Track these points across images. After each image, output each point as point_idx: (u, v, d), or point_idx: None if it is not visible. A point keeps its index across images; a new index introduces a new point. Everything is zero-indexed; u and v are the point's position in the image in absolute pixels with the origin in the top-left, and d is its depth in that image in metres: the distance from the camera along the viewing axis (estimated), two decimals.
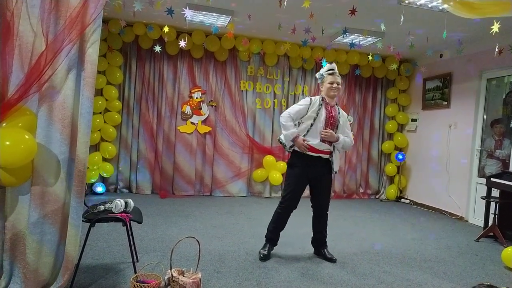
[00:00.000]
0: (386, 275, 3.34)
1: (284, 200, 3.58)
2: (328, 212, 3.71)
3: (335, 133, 3.51)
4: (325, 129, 3.45)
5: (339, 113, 3.59)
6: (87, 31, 2.49)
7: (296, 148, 3.49)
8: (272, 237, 3.67)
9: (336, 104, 3.64)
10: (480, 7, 3.39)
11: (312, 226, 3.74)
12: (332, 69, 3.56)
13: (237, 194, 6.61)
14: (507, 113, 5.38)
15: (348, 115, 3.67)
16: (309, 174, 3.54)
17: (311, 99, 3.57)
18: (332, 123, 3.50)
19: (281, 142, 3.61)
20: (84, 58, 2.51)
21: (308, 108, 3.50)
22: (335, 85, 3.51)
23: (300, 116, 3.51)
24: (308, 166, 3.50)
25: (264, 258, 3.52)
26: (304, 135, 3.46)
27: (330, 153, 3.54)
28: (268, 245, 3.65)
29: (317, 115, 3.47)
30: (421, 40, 5.41)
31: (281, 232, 3.71)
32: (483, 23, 4.07)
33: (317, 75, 3.69)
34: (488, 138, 5.63)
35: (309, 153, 3.47)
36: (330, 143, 3.50)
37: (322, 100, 3.55)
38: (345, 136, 3.60)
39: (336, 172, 3.63)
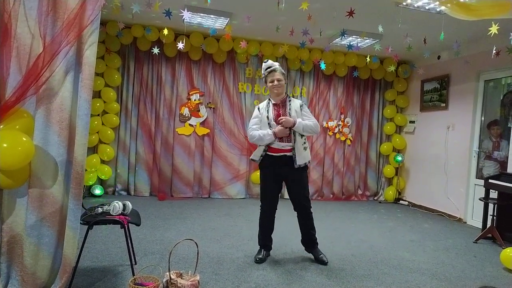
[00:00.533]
0: (384, 277, 3.33)
1: (262, 203, 3.60)
2: (311, 209, 3.58)
3: (291, 129, 3.43)
4: (285, 148, 3.44)
5: (289, 107, 3.50)
6: (85, 33, 2.49)
7: (268, 153, 3.46)
8: (264, 243, 3.65)
9: (288, 97, 3.57)
10: (477, 8, 3.41)
11: (299, 227, 3.67)
12: (269, 67, 3.50)
13: (235, 196, 6.61)
14: (504, 115, 5.40)
15: (302, 104, 3.58)
16: (279, 175, 3.51)
17: (258, 107, 3.61)
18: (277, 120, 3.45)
19: (253, 160, 3.57)
20: (81, 60, 2.51)
21: (260, 113, 3.53)
22: (275, 82, 3.46)
23: (260, 122, 3.51)
24: (275, 166, 3.47)
25: (260, 261, 3.52)
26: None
27: (291, 150, 3.45)
28: (262, 250, 3.63)
29: (268, 119, 3.46)
30: (419, 42, 5.42)
31: (277, 234, 3.71)
32: (481, 25, 4.08)
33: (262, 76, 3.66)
34: (486, 140, 5.64)
35: (272, 154, 3.45)
36: (289, 139, 3.43)
37: (269, 101, 3.56)
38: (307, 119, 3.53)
39: (300, 165, 3.44)
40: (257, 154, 3.52)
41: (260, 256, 3.55)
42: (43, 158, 2.43)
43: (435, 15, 4.45)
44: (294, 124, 3.40)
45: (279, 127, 3.40)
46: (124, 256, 3.37)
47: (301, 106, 3.55)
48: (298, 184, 3.53)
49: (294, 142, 3.44)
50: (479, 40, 5.38)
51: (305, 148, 3.51)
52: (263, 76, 3.63)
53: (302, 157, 3.47)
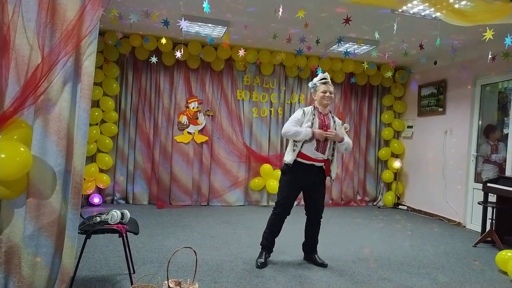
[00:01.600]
0: (384, 282, 3.33)
1: (277, 206, 3.62)
2: (321, 220, 3.73)
3: (330, 142, 3.53)
4: (319, 158, 3.50)
5: (334, 122, 3.62)
6: (83, 44, 2.51)
7: (298, 159, 3.49)
8: (267, 244, 3.68)
9: (330, 112, 3.67)
10: (472, 14, 3.45)
11: (305, 231, 3.77)
12: (325, 78, 3.61)
13: (234, 203, 6.60)
14: (502, 119, 5.42)
15: (343, 122, 3.70)
16: (302, 182, 3.56)
17: (303, 110, 3.62)
18: (326, 131, 3.52)
19: (287, 164, 3.56)
20: (80, 70, 2.53)
21: (303, 121, 3.56)
22: (328, 94, 3.56)
23: (300, 123, 3.54)
24: (301, 174, 3.52)
25: (261, 265, 3.53)
26: (301, 145, 3.47)
27: (324, 161, 3.54)
28: (264, 252, 3.66)
29: (311, 125, 3.50)
30: (415, 47, 5.47)
31: (277, 240, 3.72)
32: (476, 30, 4.13)
33: (310, 84, 3.73)
34: (484, 144, 5.66)
35: (303, 161, 3.49)
36: (324, 151, 3.51)
37: (315, 109, 3.60)
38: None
39: (333, 179, 3.65)
40: (290, 158, 3.52)
41: (262, 260, 3.57)
42: (41, 168, 2.44)
43: (431, 21, 4.49)
44: (342, 140, 3.54)
45: (320, 131, 3.44)
46: (122, 265, 3.37)
47: (343, 124, 3.79)
48: (320, 194, 3.66)
49: (333, 156, 3.56)
50: (475, 45, 5.43)
51: (336, 161, 3.66)
52: (313, 84, 3.66)
53: (334, 170, 3.64)
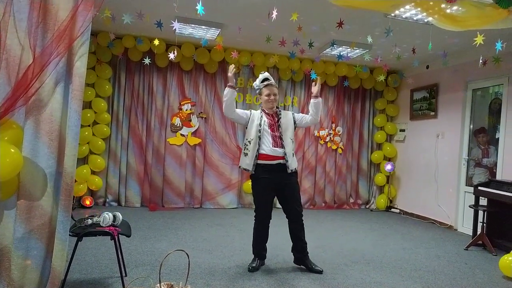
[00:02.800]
0: (376, 285, 3.33)
1: (256, 213, 3.61)
2: (302, 219, 3.61)
3: (282, 135, 3.53)
4: (274, 132, 3.52)
5: (278, 119, 3.61)
6: (75, 44, 2.49)
7: (258, 162, 3.49)
8: (258, 252, 3.65)
9: (277, 108, 3.68)
10: (464, 19, 3.49)
11: (290, 236, 3.68)
12: (267, 79, 3.58)
13: (227, 206, 6.58)
14: (493, 122, 5.48)
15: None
16: (272, 183, 3.52)
17: (251, 111, 3.66)
18: (275, 129, 3.55)
19: (245, 169, 3.56)
20: (72, 71, 2.51)
21: (249, 119, 3.58)
22: (272, 97, 3.56)
23: (244, 115, 3.60)
24: (268, 175, 3.49)
25: (253, 270, 3.52)
26: (257, 149, 3.48)
27: (282, 158, 3.51)
28: (256, 259, 3.63)
29: (261, 125, 3.52)
30: (408, 51, 5.51)
31: (270, 243, 3.71)
32: (468, 35, 4.17)
33: (254, 85, 3.73)
34: (475, 148, 5.72)
35: (265, 161, 3.48)
36: (282, 145, 3.50)
37: (262, 111, 3.63)
38: (304, 118, 3.74)
39: (292, 170, 3.54)
40: (248, 163, 3.50)
41: (254, 265, 3.55)
42: (32, 169, 2.41)
43: (423, 26, 4.53)
44: (318, 96, 3.69)
45: (229, 74, 3.46)
46: (114, 268, 3.33)
47: (292, 114, 3.72)
48: (292, 190, 3.58)
49: (285, 148, 3.50)
50: (466, 50, 5.48)
51: (293, 154, 3.62)
52: (256, 87, 3.68)
53: (294, 161, 3.59)
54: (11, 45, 2.36)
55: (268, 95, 3.57)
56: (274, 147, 3.49)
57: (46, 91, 2.43)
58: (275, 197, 3.78)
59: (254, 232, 3.65)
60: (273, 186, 3.54)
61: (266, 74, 3.64)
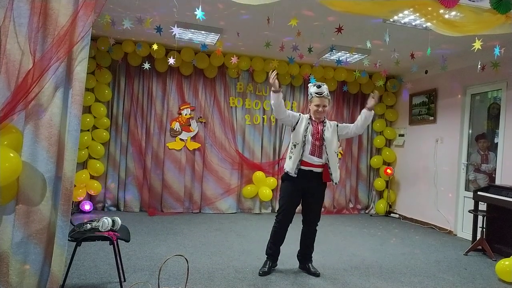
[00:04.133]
0: None
1: (278, 214, 3.64)
2: (317, 228, 3.74)
3: (324, 147, 3.55)
4: (315, 141, 3.54)
5: (323, 129, 3.63)
6: (75, 49, 2.50)
7: (289, 172, 3.54)
8: (272, 253, 3.69)
9: (325, 118, 3.71)
10: (462, 25, 3.51)
11: (300, 240, 3.76)
12: (321, 93, 3.59)
13: (226, 211, 6.57)
14: (492, 128, 5.49)
15: (338, 123, 3.74)
16: (300, 187, 3.58)
17: (300, 114, 3.67)
18: (318, 138, 3.57)
19: (288, 173, 3.59)
20: (72, 76, 2.51)
21: (298, 121, 3.60)
22: (320, 108, 3.58)
23: (294, 117, 3.60)
24: (300, 180, 3.54)
25: (263, 274, 3.56)
26: (301, 154, 3.52)
27: (322, 166, 3.57)
28: (268, 262, 3.67)
29: (306, 132, 3.55)
30: (407, 57, 5.54)
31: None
32: (466, 40, 4.19)
33: (308, 92, 3.73)
34: (474, 153, 5.72)
35: (303, 167, 3.53)
36: (320, 155, 3.54)
37: (310, 118, 3.65)
38: (348, 128, 3.74)
39: (335, 182, 3.64)
40: (291, 167, 3.54)
41: (265, 269, 3.60)
42: (31, 174, 2.41)
43: (422, 31, 4.55)
44: (372, 109, 3.68)
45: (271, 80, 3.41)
46: (113, 273, 3.32)
47: (336, 126, 3.72)
48: (318, 201, 3.69)
49: (328, 160, 3.56)
50: (465, 55, 5.50)
51: (338, 167, 3.69)
52: (309, 94, 3.67)
53: (337, 174, 3.65)
54: (11, 50, 2.37)
55: (318, 105, 3.58)
56: (311, 155, 3.53)
57: (46, 96, 2.43)
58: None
59: (273, 233, 3.68)
60: (301, 192, 3.62)
61: (322, 88, 3.62)
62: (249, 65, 6.40)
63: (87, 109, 5.80)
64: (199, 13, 3.31)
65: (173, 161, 6.38)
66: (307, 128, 3.57)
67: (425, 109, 6.62)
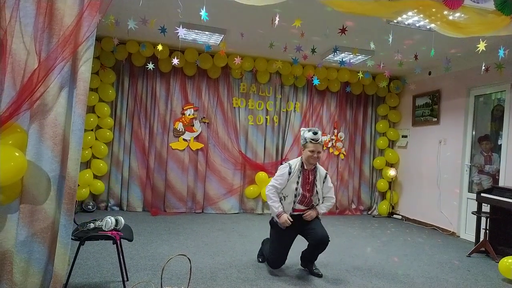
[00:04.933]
0: None
1: (270, 259, 3.64)
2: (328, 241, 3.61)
3: (313, 197, 3.60)
4: (305, 192, 3.58)
5: (315, 177, 3.62)
6: (80, 49, 2.51)
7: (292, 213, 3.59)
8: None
9: (316, 164, 3.68)
10: (466, 26, 3.50)
11: (307, 250, 3.67)
12: (317, 139, 3.56)
13: (229, 211, 6.57)
14: (495, 129, 5.47)
15: (327, 174, 3.75)
16: (293, 231, 3.60)
17: (290, 166, 3.61)
18: (308, 189, 3.58)
19: (275, 220, 3.60)
20: (76, 76, 2.53)
21: (289, 176, 3.57)
22: (315, 154, 3.53)
23: (284, 180, 3.58)
24: (295, 224, 3.54)
25: (262, 261, 3.74)
26: (292, 208, 3.57)
27: (311, 207, 3.67)
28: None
29: (297, 184, 3.56)
30: (410, 58, 5.53)
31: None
32: (470, 41, 4.18)
33: (301, 134, 3.68)
34: (477, 154, 5.70)
35: (294, 213, 3.59)
36: (309, 204, 3.64)
37: (301, 166, 3.61)
38: (326, 195, 3.71)
39: (321, 214, 3.69)
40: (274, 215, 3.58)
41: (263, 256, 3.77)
42: (36, 173, 2.43)
43: (426, 32, 4.54)
44: (318, 214, 3.66)
45: (283, 220, 3.46)
46: (116, 272, 3.33)
47: (325, 178, 3.70)
48: (317, 224, 3.64)
49: (312, 207, 3.67)
50: (469, 56, 5.49)
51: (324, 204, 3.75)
52: (303, 139, 3.63)
53: (323, 210, 3.71)
54: (17, 50, 2.39)
55: (313, 151, 3.53)
56: (300, 204, 3.59)
57: (50, 96, 2.45)
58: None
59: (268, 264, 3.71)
60: (295, 233, 3.63)
61: (318, 136, 3.57)
62: (253, 65, 6.41)
63: (91, 109, 5.82)
64: (203, 13, 3.32)
65: (176, 161, 6.39)
66: (298, 180, 3.56)
67: (428, 110, 6.60)
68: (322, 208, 3.68)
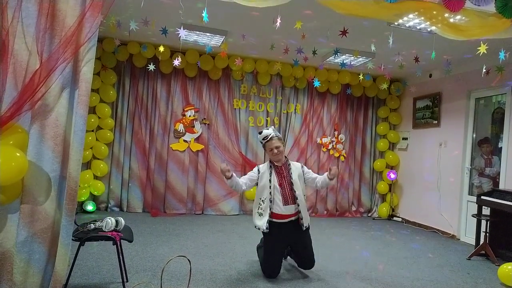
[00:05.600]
0: None
1: (264, 268, 3.61)
2: (314, 264, 3.68)
3: (294, 189, 3.53)
4: (284, 189, 3.53)
5: (290, 170, 3.59)
6: (82, 50, 2.52)
7: (273, 220, 3.51)
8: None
9: (286, 159, 3.67)
10: (467, 29, 3.50)
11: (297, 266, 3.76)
12: (266, 136, 3.54)
13: (229, 213, 6.57)
14: (496, 132, 5.47)
15: (303, 165, 3.74)
16: (284, 240, 3.58)
17: (258, 168, 3.64)
18: (285, 183, 3.55)
19: (259, 229, 3.56)
20: (78, 76, 2.53)
21: (258, 177, 3.57)
22: (275, 150, 3.54)
23: (253, 179, 3.58)
24: (281, 233, 3.53)
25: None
26: (270, 208, 3.49)
27: (297, 213, 3.56)
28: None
29: (271, 182, 3.51)
30: (411, 60, 5.54)
31: None
32: (471, 44, 4.19)
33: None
34: (478, 157, 5.70)
35: (278, 220, 3.52)
36: (294, 202, 3.51)
37: (270, 165, 3.60)
38: (312, 177, 3.68)
39: (306, 227, 3.58)
40: (262, 223, 3.50)
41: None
42: (37, 173, 2.43)
43: (426, 35, 4.55)
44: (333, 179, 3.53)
45: (223, 166, 3.39)
46: (115, 273, 3.33)
47: (302, 167, 3.69)
48: (307, 247, 3.63)
49: (299, 205, 3.52)
50: (469, 59, 5.50)
51: (308, 209, 3.70)
52: (261, 143, 3.67)
53: (306, 217, 3.59)
54: (19, 50, 2.39)
55: (271, 149, 3.55)
56: (286, 204, 3.50)
57: (52, 96, 2.45)
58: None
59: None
60: (285, 243, 3.62)
61: (264, 133, 3.58)
62: (253, 67, 6.41)
63: (91, 110, 5.83)
64: (204, 15, 3.32)
65: (176, 162, 6.39)
66: (271, 178, 3.53)
67: (429, 112, 6.60)
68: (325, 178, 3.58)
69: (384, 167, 7.37)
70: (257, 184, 3.61)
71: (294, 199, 3.52)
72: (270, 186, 3.50)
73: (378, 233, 5.88)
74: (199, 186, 6.49)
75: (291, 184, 3.54)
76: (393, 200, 7.18)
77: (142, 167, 6.26)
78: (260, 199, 3.55)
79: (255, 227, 3.58)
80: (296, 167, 3.65)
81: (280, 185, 3.52)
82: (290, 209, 3.51)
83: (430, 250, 5.04)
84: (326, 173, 3.56)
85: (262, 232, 3.56)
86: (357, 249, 4.82)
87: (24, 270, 2.42)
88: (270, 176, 3.54)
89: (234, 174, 3.45)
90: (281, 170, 3.58)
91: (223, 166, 3.35)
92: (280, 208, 3.49)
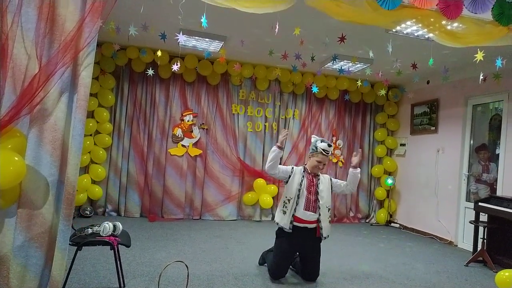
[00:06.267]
0: None
1: (271, 270, 3.64)
2: (318, 276, 3.72)
3: (318, 200, 3.60)
4: (310, 195, 3.60)
5: (318, 182, 3.69)
6: (81, 55, 2.53)
7: (294, 223, 3.57)
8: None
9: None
10: (464, 36, 3.53)
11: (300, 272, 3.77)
12: (327, 151, 3.65)
13: (227, 218, 6.56)
14: (493, 138, 5.50)
15: (331, 178, 3.88)
16: (297, 245, 3.61)
17: (293, 167, 3.73)
18: (312, 192, 3.61)
19: (282, 228, 3.62)
20: (77, 81, 2.54)
21: (290, 175, 3.66)
22: (321, 165, 3.66)
23: (286, 173, 3.66)
24: (294, 237, 3.56)
25: (262, 263, 3.79)
26: (294, 209, 3.54)
27: (316, 221, 3.60)
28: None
29: (301, 186, 3.59)
30: (408, 67, 5.57)
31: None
32: (468, 51, 4.22)
33: (312, 141, 3.77)
34: (475, 163, 5.72)
35: (297, 224, 3.56)
36: (315, 210, 3.57)
37: (304, 171, 3.70)
38: (341, 184, 3.82)
39: (325, 237, 3.66)
40: (285, 222, 3.57)
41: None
42: (34, 177, 2.42)
43: (424, 42, 4.58)
44: (357, 166, 3.74)
45: (280, 137, 3.54)
46: (112, 278, 3.32)
47: (330, 180, 3.80)
48: (315, 257, 3.66)
49: (320, 214, 3.58)
50: (466, 66, 5.53)
51: (329, 221, 3.68)
52: (314, 148, 3.70)
53: (326, 228, 3.64)
54: (18, 55, 2.40)
55: (320, 162, 3.65)
56: (305, 210, 3.56)
57: (51, 100, 2.46)
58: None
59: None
60: (297, 248, 3.65)
61: (331, 146, 3.70)
62: (252, 72, 6.44)
63: (90, 114, 5.82)
64: (203, 20, 3.34)
65: (174, 167, 6.39)
66: (301, 182, 3.62)
67: (426, 119, 6.63)
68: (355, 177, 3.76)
69: (382, 173, 7.38)
70: (286, 181, 3.68)
71: (316, 208, 3.59)
72: (299, 189, 3.58)
73: (376, 239, 5.87)
74: (197, 191, 6.48)
75: (317, 193, 3.62)
76: (391, 206, 7.18)
77: (140, 172, 6.25)
78: (286, 197, 3.63)
79: (276, 224, 3.66)
80: (324, 178, 3.77)
81: (308, 191, 3.60)
82: (309, 216, 3.57)
83: (428, 256, 5.03)
84: (350, 168, 3.71)
85: (277, 234, 3.64)
86: (354, 255, 4.81)
87: (20, 274, 2.40)
88: (302, 179, 3.63)
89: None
90: (312, 178, 3.68)
91: (283, 135, 3.51)
92: (301, 212, 3.55)
